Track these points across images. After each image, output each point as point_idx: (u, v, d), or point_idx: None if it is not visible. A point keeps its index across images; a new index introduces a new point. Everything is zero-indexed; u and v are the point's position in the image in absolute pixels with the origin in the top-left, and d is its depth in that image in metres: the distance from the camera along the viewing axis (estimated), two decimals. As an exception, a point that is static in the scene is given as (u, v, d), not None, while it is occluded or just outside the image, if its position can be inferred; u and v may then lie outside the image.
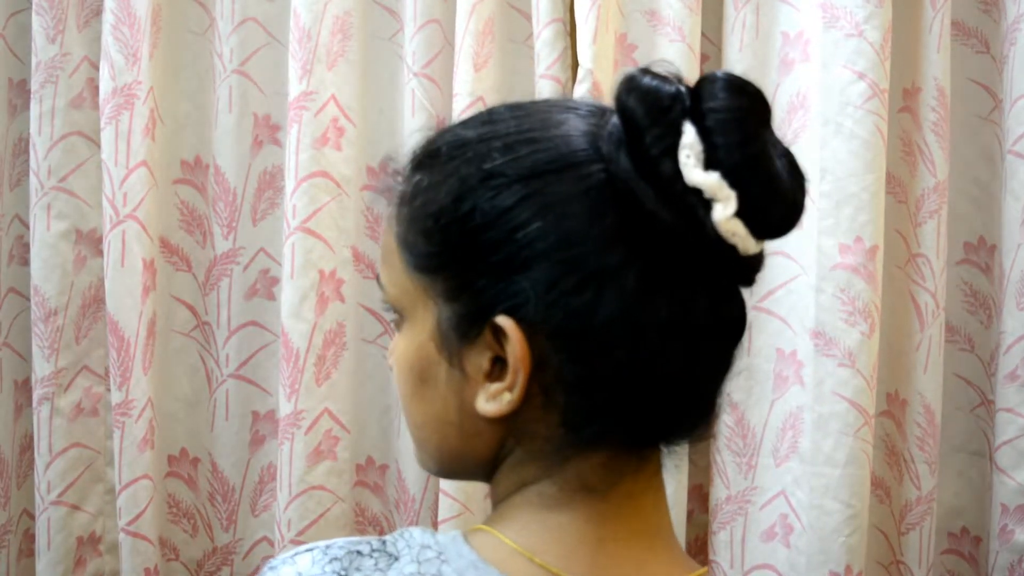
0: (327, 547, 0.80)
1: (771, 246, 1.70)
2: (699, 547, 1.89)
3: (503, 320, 0.76)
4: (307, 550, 0.81)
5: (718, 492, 1.81)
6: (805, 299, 1.72)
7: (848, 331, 1.68)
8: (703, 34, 1.80)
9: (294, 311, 1.78)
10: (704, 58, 1.81)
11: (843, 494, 1.69)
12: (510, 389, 0.77)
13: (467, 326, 0.78)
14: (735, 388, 1.78)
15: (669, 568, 0.81)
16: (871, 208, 1.67)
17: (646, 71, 0.75)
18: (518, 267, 0.76)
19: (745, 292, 1.82)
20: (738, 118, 0.73)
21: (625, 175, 0.73)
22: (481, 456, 0.83)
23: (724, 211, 0.72)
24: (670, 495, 1.70)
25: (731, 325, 0.81)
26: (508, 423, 0.80)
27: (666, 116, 0.73)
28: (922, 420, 1.78)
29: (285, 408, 1.79)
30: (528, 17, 1.76)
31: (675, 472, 1.73)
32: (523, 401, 0.78)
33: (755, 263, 0.78)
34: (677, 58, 1.73)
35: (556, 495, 0.80)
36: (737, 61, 1.76)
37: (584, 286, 0.75)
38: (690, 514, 1.87)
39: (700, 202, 0.73)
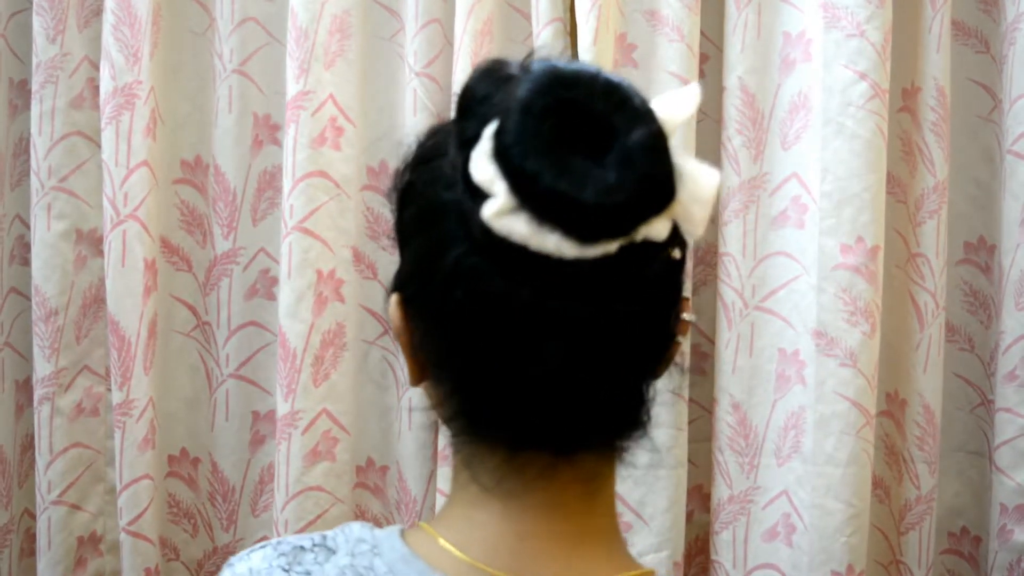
0: (277, 543, 0.86)
1: (773, 246, 1.73)
2: (700, 547, 1.91)
3: (394, 295, 0.83)
4: (261, 547, 0.86)
5: (720, 492, 1.83)
6: (807, 299, 1.74)
7: (849, 331, 1.70)
8: (705, 34, 1.82)
9: (291, 311, 1.79)
10: (705, 58, 1.83)
11: (844, 493, 1.71)
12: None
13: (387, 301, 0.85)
14: (738, 389, 1.79)
15: (598, 567, 0.82)
16: (872, 208, 1.69)
17: (492, 63, 0.76)
18: (403, 246, 0.84)
19: (747, 293, 1.82)
20: (531, 114, 0.71)
21: (449, 162, 0.76)
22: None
23: (491, 207, 0.72)
24: (668, 496, 1.73)
25: (587, 324, 0.75)
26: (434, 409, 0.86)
27: (474, 110, 0.74)
28: (922, 420, 1.80)
29: (282, 408, 1.81)
30: (528, 17, 1.78)
31: (672, 473, 1.75)
32: (431, 385, 0.84)
33: (579, 264, 0.72)
34: (677, 58, 1.75)
35: (479, 493, 0.82)
36: (739, 61, 1.77)
37: (430, 265, 0.78)
38: (690, 515, 1.88)
39: (477, 195, 0.72)
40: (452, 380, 0.81)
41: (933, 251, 1.78)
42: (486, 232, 0.72)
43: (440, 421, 0.85)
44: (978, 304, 1.86)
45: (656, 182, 0.71)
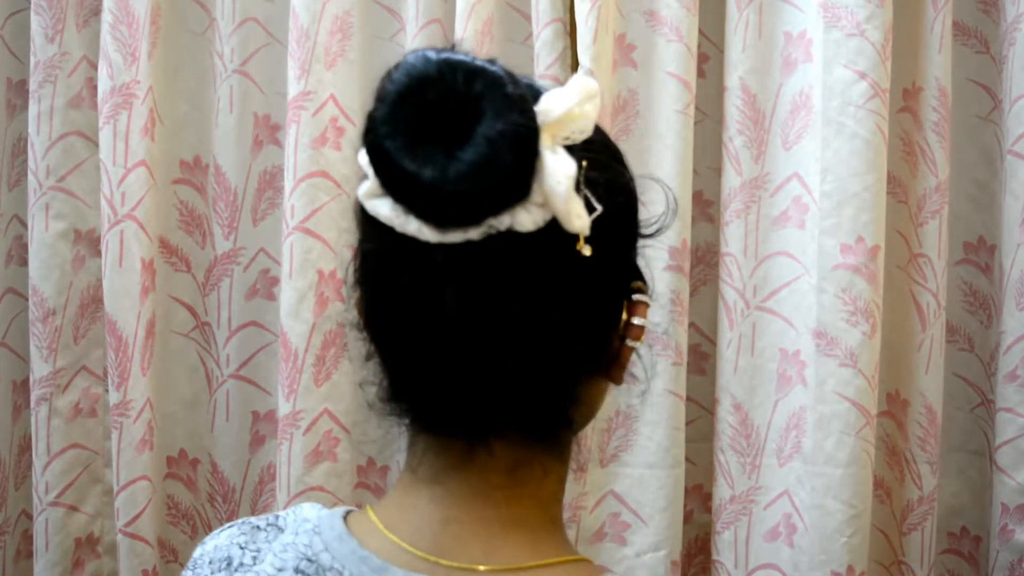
0: (242, 523, 0.92)
1: (774, 246, 1.74)
2: (700, 547, 1.92)
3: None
4: (229, 527, 0.93)
5: (722, 492, 1.84)
6: (807, 299, 1.75)
7: (850, 331, 1.70)
8: (706, 35, 1.84)
9: (292, 311, 1.80)
10: (705, 58, 1.85)
11: (844, 494, 1.71)
12: None
13: None
14: (739, 389, 1.80)
15: (521, 553, 0.82)
16: (873, 208, 1.70)
17: (415, 56, 0.75)
18: None
19: (748, 293, 1.82)
20: (387, 101, 0.72)
21: None
22: None
23: (361, 189, 0.76)
24: (666, 496, 1.73)
25: (464, 311, 0.75)
26: None
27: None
28: (924, 420, 1.81)
29: (284, 408, 1.82)
30: (527, 17, 1.80)
31: (670, 472, 1.76)
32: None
33: (442, 249, 0.73)
34: (676, 58, 1.77)
35: (410, 477, 0.85)
36: (740, 61, 1.79)
37: (353, 254, 0.83)
38: (690, 514, 1.89)
39: (363, 179, 0.76)
40: (380, 365, 0.83)
41: (935, 251, 1.79)
42: (364, 214, 0.76)
43: None
44: (978, 304, 1.87)
45: (505, 174, 0.71)
